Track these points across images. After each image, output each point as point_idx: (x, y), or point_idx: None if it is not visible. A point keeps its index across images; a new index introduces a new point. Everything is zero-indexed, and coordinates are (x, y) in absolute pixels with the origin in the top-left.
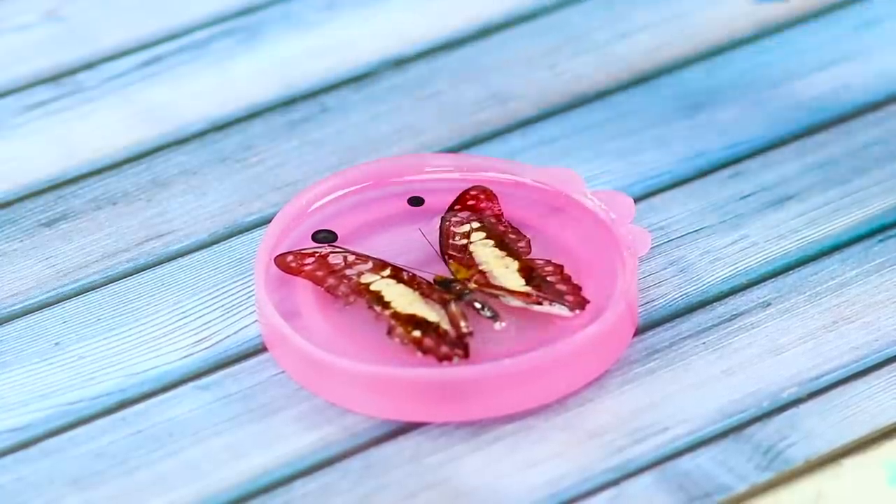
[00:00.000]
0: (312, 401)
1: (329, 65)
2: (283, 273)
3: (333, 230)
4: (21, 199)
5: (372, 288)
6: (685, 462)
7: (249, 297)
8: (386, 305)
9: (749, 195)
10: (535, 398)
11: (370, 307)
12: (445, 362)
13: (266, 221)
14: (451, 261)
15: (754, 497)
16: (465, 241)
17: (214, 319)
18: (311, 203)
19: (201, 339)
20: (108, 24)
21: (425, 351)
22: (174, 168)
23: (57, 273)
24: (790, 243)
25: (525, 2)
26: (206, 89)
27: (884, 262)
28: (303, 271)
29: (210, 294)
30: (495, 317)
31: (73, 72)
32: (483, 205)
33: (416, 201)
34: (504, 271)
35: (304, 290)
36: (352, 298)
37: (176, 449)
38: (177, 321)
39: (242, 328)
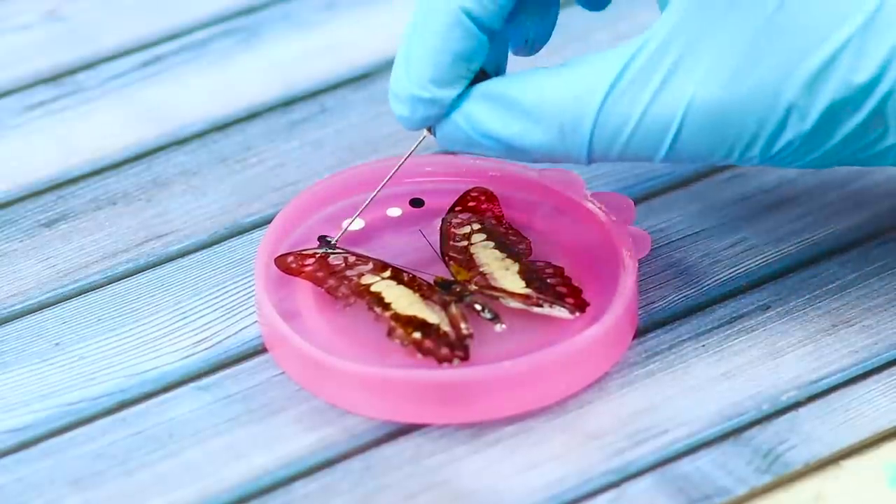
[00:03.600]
0: (312, 402)
1: (329, 65)
2: (283, 274)
3: (332, 233)
4: (21, 199)
5: (372, 289)
6: (685, 465)
7: (249, 297)
8: (386, 307)
9: (749, 197)
10: (535, 400)
11: (370, 308)
12: (445, 364)
13: (266, 222)
14: (451, 262)
15: (754, 500)
16: (465, 243)
17: (214, 320)
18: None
19: (201, 340)
20: (108, 24)
21: (425, 352)
22: (174, 168)
23: (57, 273)
24: (789, 246)
25: None
26: (206, 89)
27: (883, 265)
28: (303, 272)
29: (210, 294)
30: (495, 318)
31: (73, 72)
32: (484, 206)
33: (416, 202)
34: (504, 273)
35: (304, 291)
36: (352, 300)
37: (176, 449)
38: (177, 321)
39: (242, 329)
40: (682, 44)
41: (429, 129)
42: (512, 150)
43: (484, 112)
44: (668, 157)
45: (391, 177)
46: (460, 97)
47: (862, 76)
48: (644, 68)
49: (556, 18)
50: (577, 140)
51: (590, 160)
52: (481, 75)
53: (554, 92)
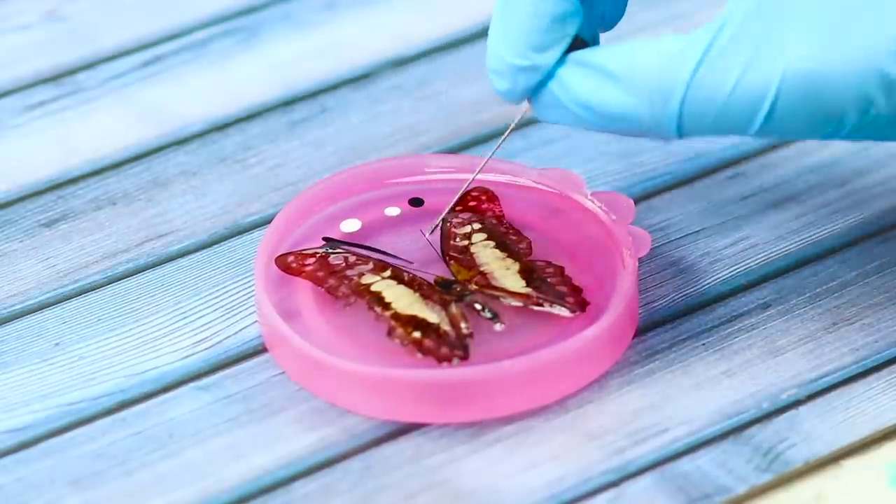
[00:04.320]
0: (312, 402)
1: (329, 65)
2: (283, 273)
3: (332, 233)
4: (21, 199)
5: (372, 289)
6: (685, 463)
7: (249, 297)
8: (386, 306)
9: (749, 196)
10: (535, 399)
11: (370, 308)
12: (445, 363)
13: (266, 222)
14: (451, 262)
15: (754, 499)
16: (465, 243)
17: (214, 320)
18: (316, 205)
19: (201, 340)
20: (108, 24)
21: (425, 352)
22: (174, 168)
23: (57, 273)
24: (790, 244)
25: None
26: (206, 89)
27: (883, 263)
28: (303, 272)
29: (210, 294)
30: (496, 318)
31: (73, 72)
32: (484, 206)
33: (416, 202)
34: (505, 272)
35: (304, 291)
36: (352, 299)
37: (176, 449)
38: (177, 321)
39: (242, 329)
40: (772, 10)
41: (528, 101)
42: (605, 121)
43: (577, 79)
44: (763, 129)
45: (492, 154)
46: (557, 65)
47: None
48: (734, 37)
49: None
50: (668, 112)
51: (680, 133)
52: (579, 44)
53: (645, 62)
